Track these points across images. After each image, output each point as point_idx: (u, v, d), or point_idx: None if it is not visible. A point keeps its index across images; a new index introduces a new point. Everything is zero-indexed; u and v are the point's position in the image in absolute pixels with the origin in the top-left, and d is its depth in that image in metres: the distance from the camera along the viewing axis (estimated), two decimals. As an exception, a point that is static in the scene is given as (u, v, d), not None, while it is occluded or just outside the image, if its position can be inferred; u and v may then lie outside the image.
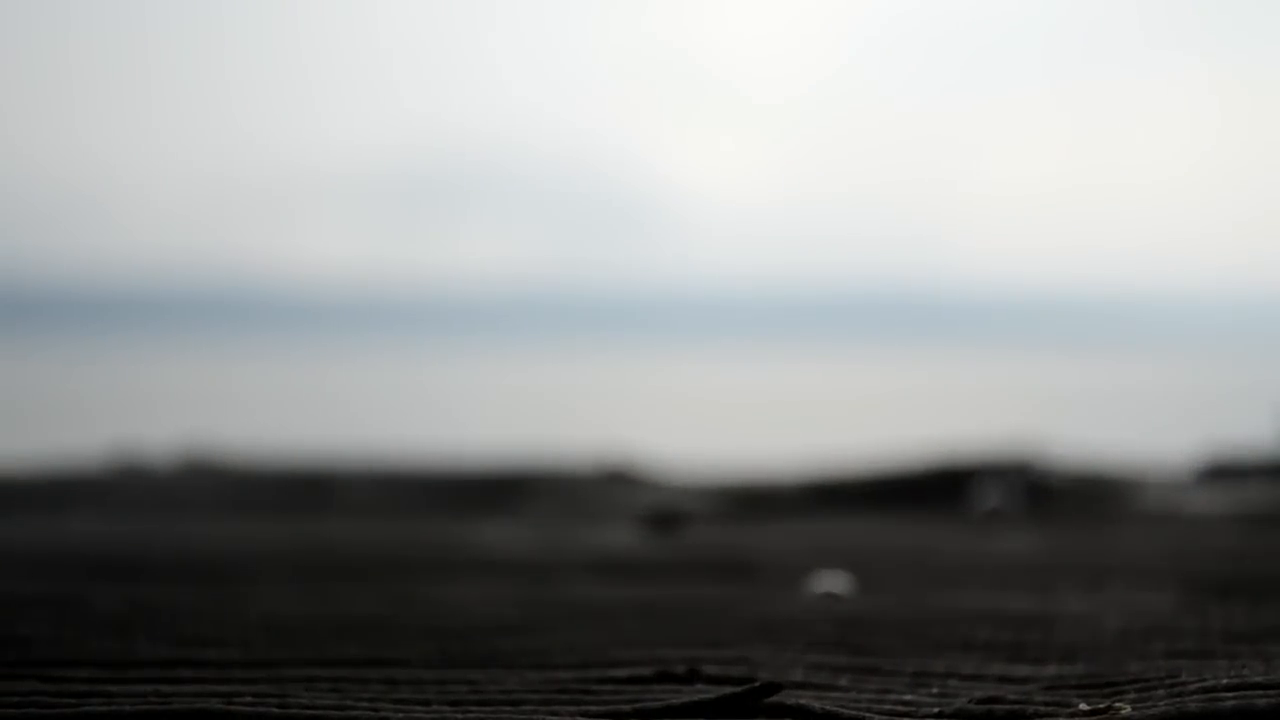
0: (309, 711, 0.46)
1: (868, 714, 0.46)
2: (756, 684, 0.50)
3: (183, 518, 0.91)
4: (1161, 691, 0.47)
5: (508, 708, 0.47)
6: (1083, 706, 0.45)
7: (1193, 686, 0.46)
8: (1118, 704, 0.46)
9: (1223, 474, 1.10)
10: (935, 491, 1.17)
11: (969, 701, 0.48)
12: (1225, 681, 0.46)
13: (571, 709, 0.46)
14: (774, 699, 0.49)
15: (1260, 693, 0.45)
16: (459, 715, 0.45)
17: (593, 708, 0.47)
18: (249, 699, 0.47)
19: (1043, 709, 0.45)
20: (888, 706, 0.48)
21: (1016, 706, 0.46)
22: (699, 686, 0.51)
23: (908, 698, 0.49)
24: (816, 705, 0.48)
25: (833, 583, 0.68)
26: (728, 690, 0.50)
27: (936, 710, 0.46)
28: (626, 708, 0.47)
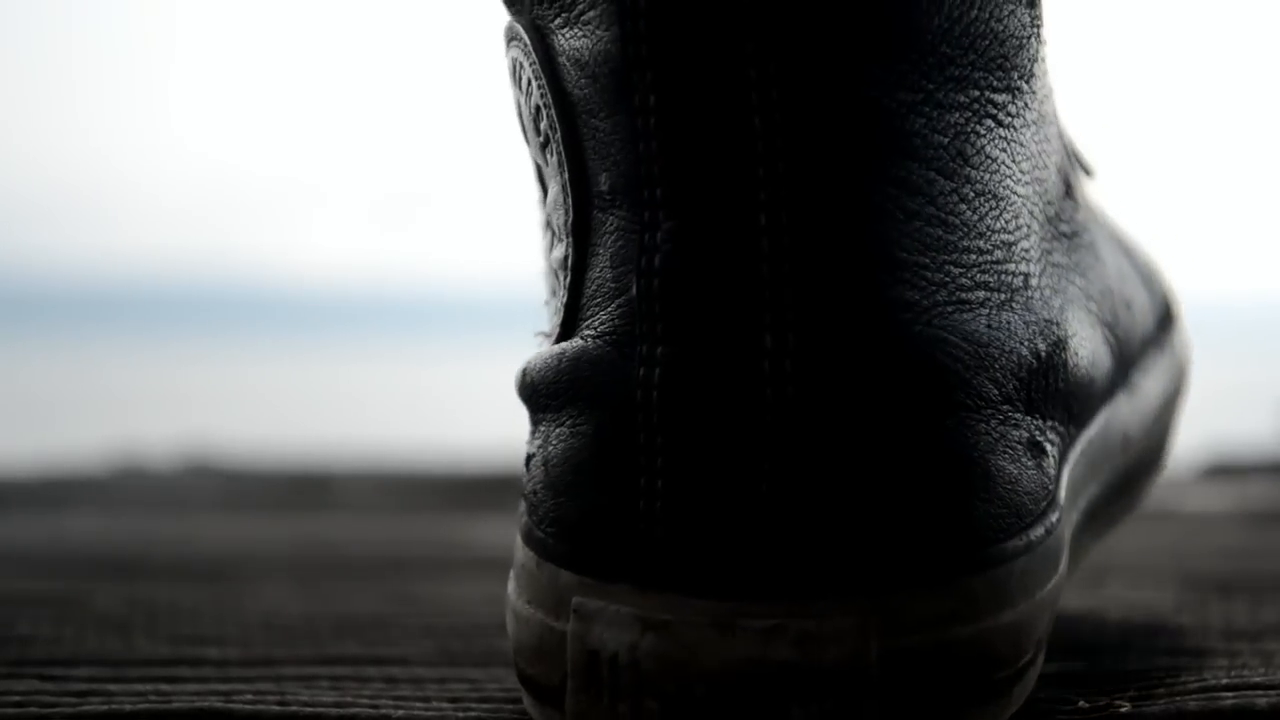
0: (309, 709, 0.46)
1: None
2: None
3: (182, 517, 0.92)
4: (1161, 690, 0.47)
5: (508, 705, 0.47)
6: (1082, 704, 0.45)
7: (1193, 685, 0.46)
8: (1117, 701, 0.46)
9: (1223, 471, 1.10)
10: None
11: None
12: (1225, 681, 0.46)
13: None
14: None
15: (1260, 692, 0.45)
16: (459, 713, 0.46)
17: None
18: (249, 697, 0.48)
19: (1042, 706, 0.45)
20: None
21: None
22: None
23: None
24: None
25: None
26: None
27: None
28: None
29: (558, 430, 0.41)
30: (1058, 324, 0.44)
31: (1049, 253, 0.45)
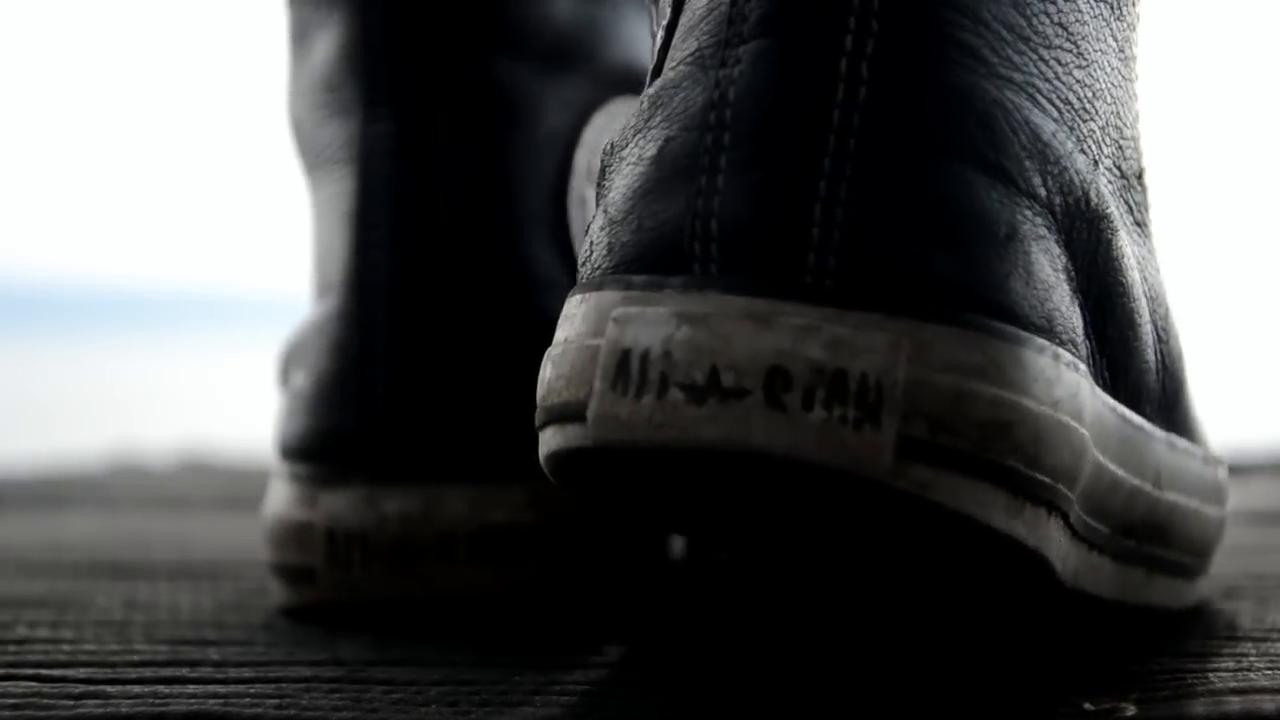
0: (308, 713, 0.46)
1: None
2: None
3: (181, 517, 0.91)
4: (1166, 693, 0.47)
5: (508, 708, 0.47)
6: (1087, 706, 0.45)
7: (1199, 689, 0.46)
8: (1122, 704, 0.46)
9: (1228, 470, 1.09)
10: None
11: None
12: (1231, 685, 0.46)
13: (570, 712, 0.46)
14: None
15: (1267, 696, 0.45)
16: (458, 717, 0.45)
17: (594, 712, 0.47)
18: (247, 700, 0.48)
19: (1045, 708, 0.45)
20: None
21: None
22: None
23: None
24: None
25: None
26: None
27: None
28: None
29: (624, 170, 0.42)
30: (1114, 221, 0.44)
31: (1116, 200, 0.45)
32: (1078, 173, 0.43)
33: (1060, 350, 0.41)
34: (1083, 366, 0.42)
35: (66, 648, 0.54)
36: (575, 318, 0.42)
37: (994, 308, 0.40)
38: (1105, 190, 0.45)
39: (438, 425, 0.55)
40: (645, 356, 0.39)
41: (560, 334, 0.42)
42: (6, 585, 0.66)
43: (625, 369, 0.39)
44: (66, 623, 0.58)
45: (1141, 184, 0.48)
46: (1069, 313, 0.42)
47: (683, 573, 0.63)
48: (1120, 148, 0.46)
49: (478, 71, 0.57)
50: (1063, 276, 0.42)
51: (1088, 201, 0.43)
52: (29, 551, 0.75)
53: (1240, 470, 0.99)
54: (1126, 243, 0.46)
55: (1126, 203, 0.47)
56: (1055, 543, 0.42)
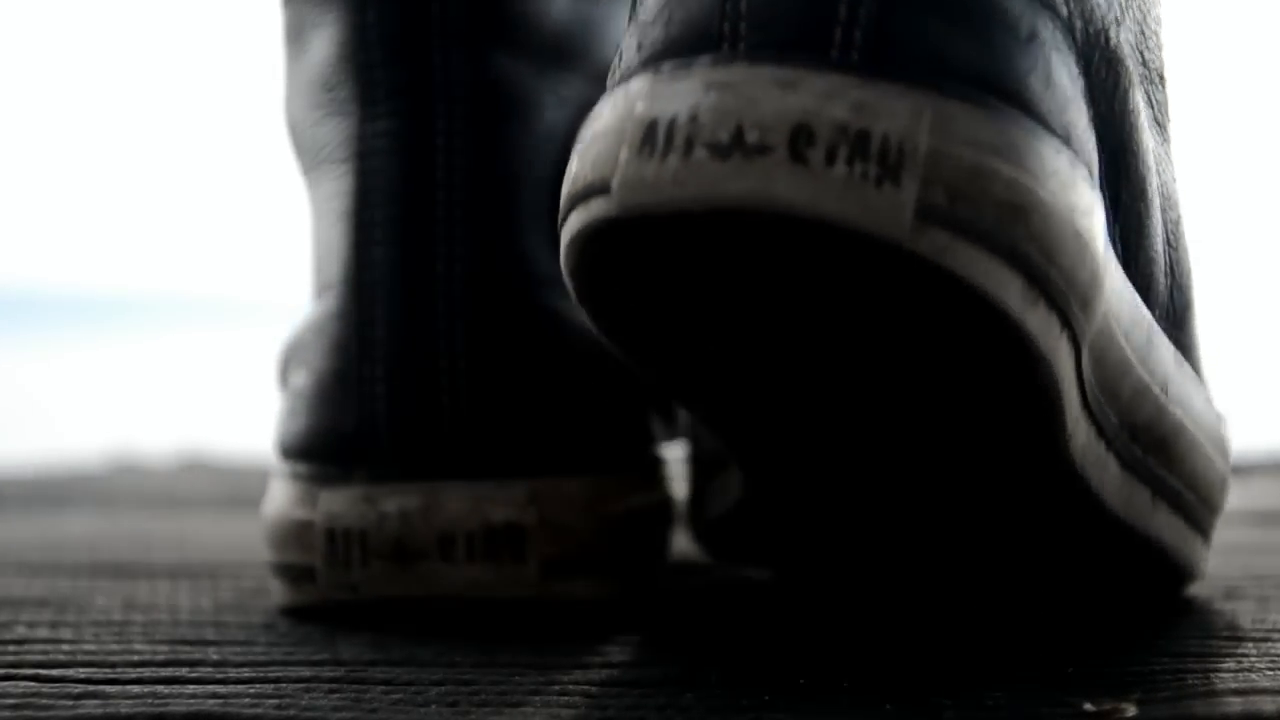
0: (308, 713, 0.46)
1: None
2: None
3: (181, 516, 0.91)
4: (1167, 693, 0.47)
5: (507, 709, 0.47)
6: (1087, 706, 0.45)
7: (1199, 689, 0.46)
8: (1122, 705, 0.46)
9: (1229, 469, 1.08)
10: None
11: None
12: (1232, 685, 0.46)
13: (570, 712, 0.46)
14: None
15: (1268, 697, 0.45)
16: (457, 718, 0.45)
17: (594, 712, 0.47)
18: (246, 700, 0.48)
19: (1045, 709, 0.45)
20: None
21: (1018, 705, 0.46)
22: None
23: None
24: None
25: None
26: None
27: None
28: (631, 714, 0.47)
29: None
30: (1133, 75, 0.44)
31: (1139, 88, 0.45)
32: (1098, 6, 0.43)
33: (1077, 159, 0.41)
34: (1098, 195, 0.42)
35: (66, 648, 0.54)
36: (603, 113, 0.42)
37: (1012, 98, 0.40)
38: (1126, 50, 0.45)
39: (437, 424, 0.55)
40: (672, 123, 0.40)
41: (587, 131, 0.42)
42: (6, 585, 0.66)
43: (652, 136, 0.40)
44: (66, 623, 0.58)
45: (1164, 85, 0.48)
46: (1085, 137, 0.42)
47: (684, 573, 0.63)
48: (1143, 33, 0.46)
49: (475, 69, 0.57)
50: (1082, 99, 0.42)
51: (1108, 39, 0.43)
52: (29, 551, 0.75)
53: (1240, 470, 0.99)
54: (1142, 106, 0.46)
55: (1147, 94, 0.47)
56: (1066, 373, 0.42)
